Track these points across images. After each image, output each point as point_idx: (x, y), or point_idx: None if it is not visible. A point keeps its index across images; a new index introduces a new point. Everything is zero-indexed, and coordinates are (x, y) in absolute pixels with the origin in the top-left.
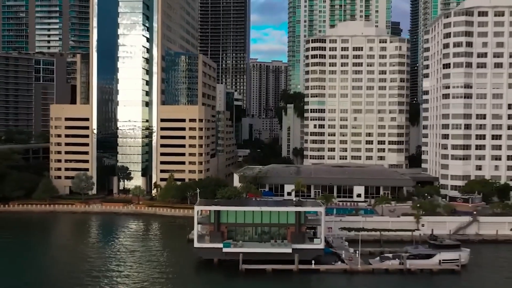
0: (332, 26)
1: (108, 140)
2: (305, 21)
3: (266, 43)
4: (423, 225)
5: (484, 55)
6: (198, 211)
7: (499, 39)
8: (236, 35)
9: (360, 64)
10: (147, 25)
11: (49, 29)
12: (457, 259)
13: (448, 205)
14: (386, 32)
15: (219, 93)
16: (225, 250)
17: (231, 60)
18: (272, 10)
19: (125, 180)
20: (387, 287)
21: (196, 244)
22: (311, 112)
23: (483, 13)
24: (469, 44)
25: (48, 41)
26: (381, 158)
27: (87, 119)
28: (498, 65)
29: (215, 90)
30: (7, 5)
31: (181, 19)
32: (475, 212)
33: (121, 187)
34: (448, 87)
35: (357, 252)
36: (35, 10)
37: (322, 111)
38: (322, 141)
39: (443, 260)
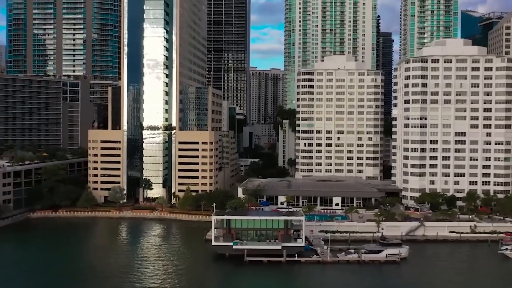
0: (323, 48)
1: (135, 158)
2: (299, 44)
3: (265, 43)
4: (382, 229)
5: (436, 93)
6: (214, 219)
7: (447, 81)
8: (237, 49)
9: (342, 93)
10: (167, 64)
11: (74, 55)
12: (398, 254)
13: (402, 213)
14: (364, 65)
15: (223, 109)
16: (234, 247)
17: (232, 73)
18: (272, 10)
19: (148, 190)
20: (347, 273)
21: (213, 243)
22: (301, 132)
23: (435, 60)
24: (424, 85)
25: (74, 66)
26: (360, 171)
27: (118, 142)
28: (447, 101)
29: (221, 114)
30: (37, 34)
31: (194, 57)
32: (422, 219)
33: (144, 196)
34: (408, 118)
35: (328, 248)
36: (62, 38)
37: (311, 132)
38: (311, 157)
39: (388, 254)
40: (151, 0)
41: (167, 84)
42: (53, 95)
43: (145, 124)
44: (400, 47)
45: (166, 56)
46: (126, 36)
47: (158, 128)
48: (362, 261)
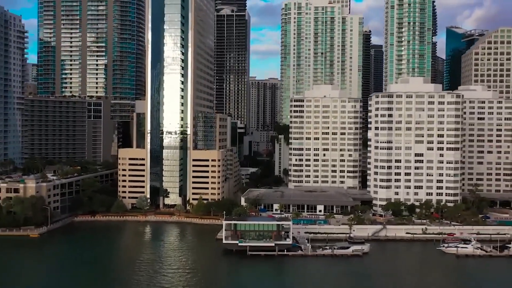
0: (315, 69)
1: (156, 172)
2: (294, 65)
3: (263, 44)
4: (354, 230)
5: (400, 122)
6: (224, 223)
7: (409, 112)
8: (238, 62)
9: (328, 117)
10: (182, 94)
11: (97, 78)
12: (361, 249)
13: (370, 218)
14: (345, 93)
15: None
16: (239, 244)
17: (234, 85)
18: (271, 12)
19: (166, 198)
20: (322, 263)
21: (224, 241)
22: (293, 150)
23: (399, 96)
24: (390, 115)
25: (96, 87)
26: (342, 182)
27: (143, 159)
28: (408, 129)
29: (226, 133)
30: (64, 59)
31: (205, 87)
32: (384, 223)
33: (164, 203)
34: (378, 142)
35: (309, 245)
36: (87, 63)
37: (301, 149)
38: (301, 170)
39: (354, 250)
40: (169, 54)
41: (182, 111)
42: (79, 114)
43: (164, 144)
44: (383, 70)
45: (182, 89)
46: (149, 74)
47: (175, 148)
48: (334, 255)
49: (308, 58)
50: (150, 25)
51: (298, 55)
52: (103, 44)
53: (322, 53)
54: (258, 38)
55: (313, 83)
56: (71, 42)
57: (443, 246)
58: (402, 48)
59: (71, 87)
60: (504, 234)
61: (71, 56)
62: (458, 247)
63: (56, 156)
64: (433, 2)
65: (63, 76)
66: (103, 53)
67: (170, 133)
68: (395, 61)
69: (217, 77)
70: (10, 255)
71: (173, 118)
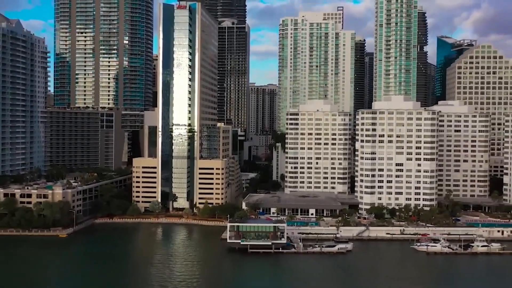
0: (310, 81)
1: (167, 178)
2: (290, 77)
3: (262, 45)
4: (340, 231)
5: (382, 135)
6: (229, 225)
7: (390, 127)
8: (238, 72)
9: (320, 129)
10: (189, 110)
11: (108, 91)
12: (345, 248)
13: (355, 220)
14: (336, 107)
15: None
16: (241, 243)
17: (235, 92)
18: (270, 14)
19: (175, 202)
20: (312, 259)
21: (228, 240)
22: (289, 158)
23: (382, 112)
24: (374, 130)
25: (108, 99)
26: (333, 188)
27: (155, 167)
28: (390, 141)
29: (228, 143)
30: (78, 73)
31: (210, 102)
32: (367, 224)
33: (173, 206)
34: (363, 153)
35: (301, 244)
36: (100, 77)
37: (296, 158)
38: (296, 177)
39: (339, 248)
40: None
41: (190, 125)
42: (93, 124)
43: (174, 154)
44: (373, 83)
45: (189, 104)
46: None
47: (183, 157)
48: (322, 252)
49: (304, 71)
50: (161, 50)
51: (295, 68)
52: (115, 59)
53: (317, 66)
54: (257, 39)
55: (308, 94)
56: (85, 57)
57: (416, 245)
58: (390, 64)
59: (84, 99)
60: (472, 234)
61: (85, 70)
62: (428, 245)
63: (72, 163)
64: (424, 13)
65: (78, 88)
66: (115, 68)
67: (178, 144)
68: (383, 75)
69: (218, 85)
70: (45, 252)
71: (182, 131)
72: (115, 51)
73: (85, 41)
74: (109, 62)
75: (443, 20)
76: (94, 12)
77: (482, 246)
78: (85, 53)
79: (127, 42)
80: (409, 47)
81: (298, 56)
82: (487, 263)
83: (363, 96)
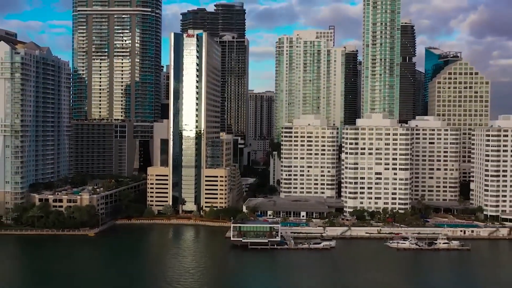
0: (304, 94)
1: (177, 184)
2: (286, 90)
3: (260, 46)
4: (326, 231)
5: (364, 148)
6: (232, 226)
7: (370, 141)
8: (238, 81)
9: (311, 141)
10: (197, 125)
11: (121, 104)
12: (329, 244)
13: (339, 221)
14: (325, 122)
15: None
16: (243, 241)
17: (235, 102)
18: (269, 16)
19: (184, 205)
20: (301, 254)
21: (231, 238)
22: (284, 167)
23: (363, 128)
24: (356, 143)
25: (121, 111)
26: (322, 192)
27: (166, 175)
28: (370, 153)
29: (230, 154)
30: (94, 87)
31: (213, 117)
32: (350, 225)
33: (182, 209)
34: (347, 163)
35: (293, 241)
36: (114, 91)
37: (290, 166)
38: (290, 183)
39: (324, 244)
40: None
41: (197, 138)
42: (108, 135)
43: (183, 164)
44: (361, 98)
45: (196, 120)
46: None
47: (192, 167)
48: (310, 248)
49: (298, 85)
50: (172, 72)
51: (290, 82)
52: (128, 76)
53: (310, 80)
54: (256, 40)
55: (302, 105)
56: (100, 74)
57: (389, 242)
58: (375, 80)
59: (100, 112)
60: (438, 233)
61: (100, 85)
62: (399, 243)
63: (89, 171)
64: (413, 26)
65: (93, 102)
66: (128, 83)
67: (187, 155)
68: (370, 90)
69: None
70: (79, 248)
71: (190, 143)
72: (128, 69)
73: (100, 62)
74: (122, 78)
75: (440, 22)
76: (109, 36)
77: (443, 243)
78: (100, 71)
79: (138, 60)
80: (392, 65)
81: (293, 71)
82: (447, 258)
83: (357, 103)
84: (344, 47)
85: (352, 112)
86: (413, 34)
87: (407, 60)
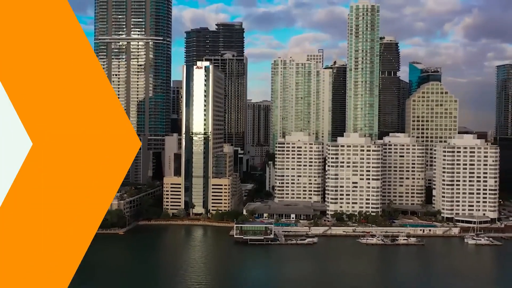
0: (296, 110)
1: (188, 191)
2: (280, 106)
3: (257, 47)
4: (311, 230)
5: (343, 162)
6: (235, 226)
7: (348, 156)
8: (238, 94)
9: (300, 154)
10: (206, 136)
11: (137, 120)
12: (312, 241)
13: (321, 222)
14: (312, 138)
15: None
16: (243, 238)
17: (235, 113)
18: (268, 19)
19: (193, 209)
20: (290, 248)
21: (234, 236)
22: (278, 176)
23: (342, 146)
24: (336, 158)
25: (136, 126)
26: (310, 198)
27: (179, 184)
28: (348, 166)
29: (232, 165)
30: None
31: (218, 133)
32: (330, 225)
33: (192, 212)
34: (329, 174)
35: (284, 238)
36: (130, 108)
37: (283, 175)
38: (283, 190)
39: (308, 241)
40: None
41: (204, 152)
42: None
43: (194, 174)
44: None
45: (204, 137)
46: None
47: (200, 176)
48: (297, 243)
49: (291, 101)
50: (184, 99)
51: (284, 99)
52: (142, 94)
53: (301, 98)
54: (253, 42)
55: (295, 120)
56: (118, 92)
57: (360, 239)
58: (358, 99)
59: None
60: (401, 232)
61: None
62: (368, 239)
63: None
64: (397, 43)
65: None
66: (142, 101)
67: (197, 167)
68: (352, 108)
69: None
70: (114, 244)
71: (199, 158)
72: (143, 87)
73: (118, 81)
74: (137, 96)
75: (434, 25)
76: (126, 60)
77: (403, 239)
78: (118, 90)
79: (151, 80)
80: (372, 87)
81: (286, 90)
82: (405, 251)
83: (345, 115)
84: (335, 61)
85: (341, 122)
86: (397, 50)
87: (392, 75)
